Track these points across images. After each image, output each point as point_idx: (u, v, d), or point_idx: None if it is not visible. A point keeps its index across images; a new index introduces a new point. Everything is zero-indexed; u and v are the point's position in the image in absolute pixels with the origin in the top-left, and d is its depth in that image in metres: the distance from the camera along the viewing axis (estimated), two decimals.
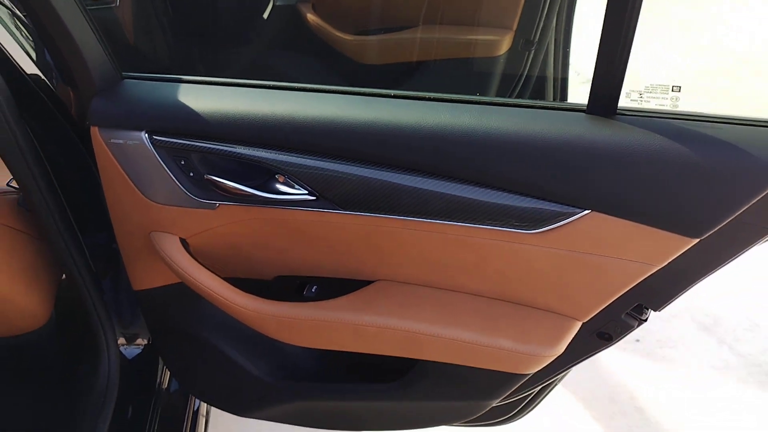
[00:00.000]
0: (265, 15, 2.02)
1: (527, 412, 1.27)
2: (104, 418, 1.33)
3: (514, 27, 1.73)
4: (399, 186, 0.89)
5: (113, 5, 1.59)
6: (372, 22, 1.95)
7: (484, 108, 0.89)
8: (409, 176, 0.89)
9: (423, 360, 1.05)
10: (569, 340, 0.95)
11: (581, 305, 0.92)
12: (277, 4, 2.02)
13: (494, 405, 1.16)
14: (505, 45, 1.76)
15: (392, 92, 0.92)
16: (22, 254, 1.32)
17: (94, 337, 1.38)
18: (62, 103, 1.26)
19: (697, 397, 1.94)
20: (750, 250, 0.93)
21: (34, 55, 1.23)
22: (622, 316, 0.94)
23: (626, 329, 0.95)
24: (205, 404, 1.66)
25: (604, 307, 0.91)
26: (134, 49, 1.68)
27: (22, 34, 1.23)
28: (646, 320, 0.94)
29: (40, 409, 1.50)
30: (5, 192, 1.32)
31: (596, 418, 1.89)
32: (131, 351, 1.45)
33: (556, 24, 1.65)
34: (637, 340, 2.13)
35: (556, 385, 1.20)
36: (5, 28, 1.18)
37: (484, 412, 1.11)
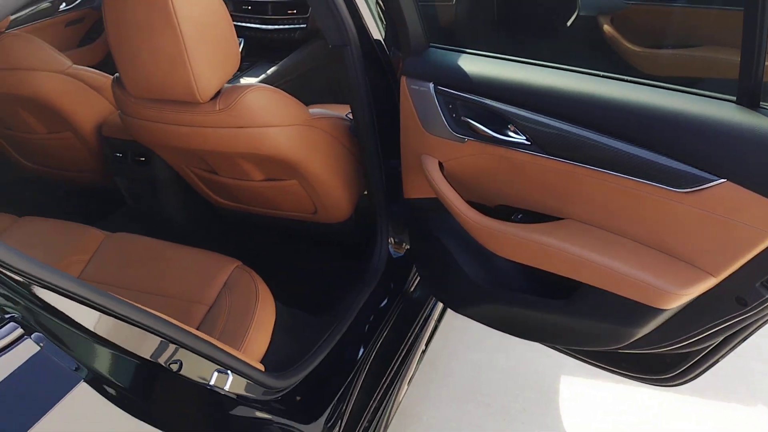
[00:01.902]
0: (569, 23, 2.35)
1: (692, 377, 1.41)
2: (365, 294, 1.75)
3: None
4: (588, 140, 1.14)
5: (451, 2, 2.09)
6: (661, 38, 2.14)
7: (660, 90, 1.10)
8: (597, 135, 1.13)
9: (585, 285, 1.30)
10: (700, 289, 1.11)
11: (713, 261, 1.08)
12: (581, 14, 2.34)
13: (654, 353, 1.34)
14: None
15: (600, 73, 1.18)
16: (346, 166, 1.74)
17: (375, 236, 1.81)
18: (391, 66, 1.69)
19: None
20: None
21: (382, 31, 1.73)
22: (757, 285, 1.06)
23: (759, 297, 1.07)
24: (435, 313, 2.08)
25: (733, 267, 1.05)
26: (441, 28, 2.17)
27: (378, 16, 1.71)
28: None
29: (333, 277, 2.03)
30: (343, 120, 1.76)
31: None
32: (395, 253, 1.88)
33: None
34: None
35: (722, 356, 1.32)
36: (369, 9, 1.66)
37: (632, 340, 1.29)
